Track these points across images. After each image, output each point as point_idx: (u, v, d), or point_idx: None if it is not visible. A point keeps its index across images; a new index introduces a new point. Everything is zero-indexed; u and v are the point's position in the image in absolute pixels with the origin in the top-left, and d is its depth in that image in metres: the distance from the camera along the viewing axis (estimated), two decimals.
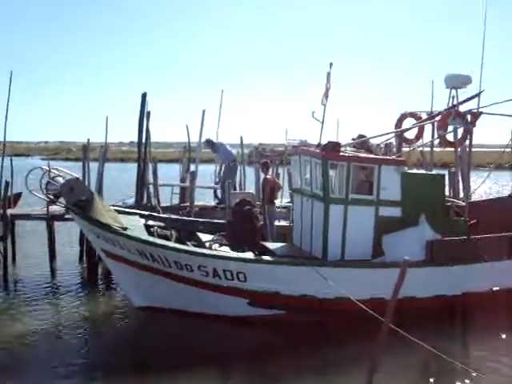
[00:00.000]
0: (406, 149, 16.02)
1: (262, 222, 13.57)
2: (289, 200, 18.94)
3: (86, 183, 16.06)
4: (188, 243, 12.83)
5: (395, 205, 12.33)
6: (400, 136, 15.24)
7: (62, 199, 11.71)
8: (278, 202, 19.67)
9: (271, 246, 13.31)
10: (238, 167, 19.76)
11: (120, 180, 29.69)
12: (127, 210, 14.29)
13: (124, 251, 11.79)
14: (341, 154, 12.25)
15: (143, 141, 17.15)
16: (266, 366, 10.16)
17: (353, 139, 13.67)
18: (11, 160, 18.16)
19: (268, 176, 15.77)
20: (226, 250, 12.24)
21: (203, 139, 18.74)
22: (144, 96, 16.77)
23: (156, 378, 9.67)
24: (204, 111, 16.90)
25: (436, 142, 14.67)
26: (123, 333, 12.20)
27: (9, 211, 16.59)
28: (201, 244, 12.81)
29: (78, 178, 11.85)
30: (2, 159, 16.41)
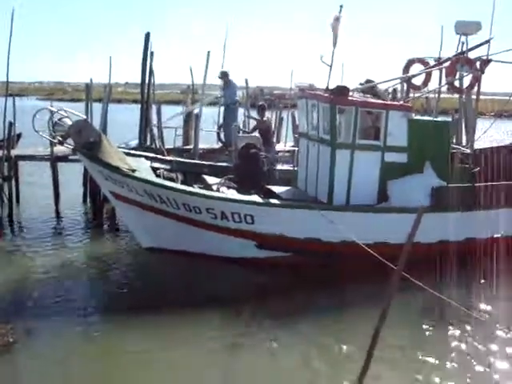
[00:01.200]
0: (412, 95, 15.96)
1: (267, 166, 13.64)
2: (292, 144, 19.01)
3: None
4: (194, 186, 12.92)
5: (401, 150, 12.37)
6: (407, 82, 15.14)
7: (69, 140, 11.67)
8: (281, 146, 19.77)
9: (276, 189, 13.42)
10: (239, 109, 19.61)
11: (119, 121, 29.39)
12: (132, 152, 14.27)
13: (132, 193, 11.87)
14: (349, 98, 12.21)
15: (146, 82, 16.98)
16: (274, 306, 10.39)
17: (360, 84, 13.56)
18: (14, 100, 17.89)
19: (264, 119, 15.95)
20: (233, 193, 12.34)
21: (207, 81, 18.46)
22: (147, 36, 16.51)
23: (162, 318, 9.77)
24: (209, 53, 16.58)
25: (443, 88, 14.58)
26: (130, 273, 12.33)
27: (13, 152, 16.52)
28: (207, 187, 12.90)
29: (86, 120, 11.80)
30: (6, 100, 16.23)
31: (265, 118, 16.40)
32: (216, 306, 10.24)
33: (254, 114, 18.63)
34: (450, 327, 9.67)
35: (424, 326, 9.77)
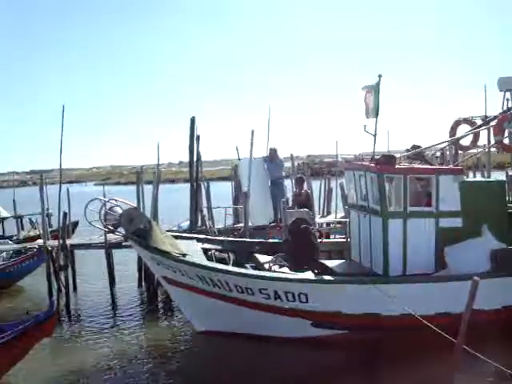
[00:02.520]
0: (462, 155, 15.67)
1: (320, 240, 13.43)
2: (343, 215, 18.81)
3: (142, 208, 16.30)
4: (246, 265, 12.81)
5: (455, 215, 12.00)
6: (455, 143, 14.90)
7: (120, 229, 11.88)
8: (332, 217, 19.59)
9: (330, 263, 13.16)
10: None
11: (172, 202, 30.03)
12: (183, 234, 14.40)
13: (184, 277, 11.86)
14: (396, 166, 12.04)
15: (194, 164, 17.32)
16: None
17: (407, 150, 13.43)
18: (68, 189, 18.58)
19: (303, 191, 16.00)
20: (285, 271, 12.16)
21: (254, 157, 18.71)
22: (193, 120, 16.97)
23: None
24: (253, 131, 16.91)
25: (493, 146, 14.25)
26: (187, 359, 12.20)
27: (68, 241, 16.93)
28: (259, 265, 12.76)
29: (135, 208, 12.03)
30: (60, 188, 16.81)
31: (303, 191, 16.46)
32: None
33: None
34: None
35: None
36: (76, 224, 21.69)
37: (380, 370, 10.47)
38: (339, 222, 17.74)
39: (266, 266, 12.64)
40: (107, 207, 12.10)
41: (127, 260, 19.66)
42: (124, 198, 12.97)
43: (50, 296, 15.22)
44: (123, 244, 16.05)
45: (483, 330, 10.40)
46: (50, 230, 19.37)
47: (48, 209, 20.64)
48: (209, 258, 12.64)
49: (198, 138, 17.00)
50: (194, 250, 12.54)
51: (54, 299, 12.60)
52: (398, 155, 12.87)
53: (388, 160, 11.99)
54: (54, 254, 16.74)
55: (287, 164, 21.51)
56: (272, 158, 18.91)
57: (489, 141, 14.36)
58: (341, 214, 19.62)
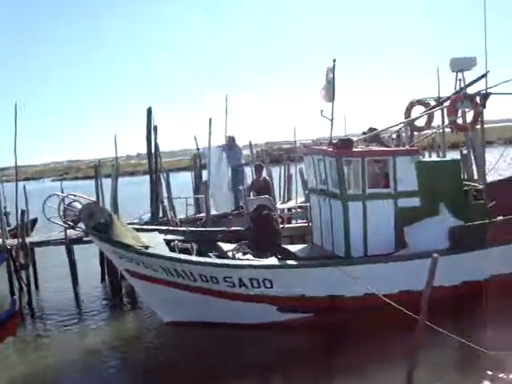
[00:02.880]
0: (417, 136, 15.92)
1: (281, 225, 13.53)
2: (303, 200, 18.94)
3: (101, 202, 16.12)
4: (210, 254, 12.81)
5: (413, 195, 12.21)
6: (410, 125, 15.13)
7: (80, 224, 11.74)
8: (292, 202, 19.72)
9: (292, 247, 13.27)
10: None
11: (132, 194, 29.65)
12: (145, 227, 14.32)
13: (148, 269, 11.80)
14: (354, 149, 12.18)
15: (152, 155, 17.18)
16: (299, 370, 10.11)
17: (363, 133, 13.55)
18: (24, 186, 18.25)
19: (261, 178, 16.60)
20: (249, 258, 12.21)
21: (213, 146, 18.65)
22: (149, 111, 16.78)
23: None
24: (210, 120, 16.85)
25: (447, 127, 14.52)
26: (154, 351, 12.10)
27: (27, 239, 16.62)
28: (223, 254, 12.79)
29: (95, 202, 11.89)
30: (16, 186, 16.48)
31: (261, 178, 16.60)
32: (245, 376, 10.00)
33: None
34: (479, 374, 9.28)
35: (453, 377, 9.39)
36: (35, 221, 21.24)
37: (346, 351, 10.61)
38: (300, 207, 17.87)
39: (230, 254, 12.68)
40: (66, 202, 11.94)
41: (89, 255, 19.38)
42: (83, 192, 12.82)
43: (12, 295, 14.92)
44: (84, 239, 15.84)
45: (444, 305, 10.76)
46: (8, 228, 18.95)
47: (5, 207, 20.20)
48: (172, 249, 12.59)
49: (156, 128, 16.85)
50: (156, 242, 12.48)
51: (15, 298, 12.42)
52: (355, 138, 13.00)
53: (345, 143, 12.11)
54: (13, 253, 16.43)
55: (246, 152, 21.46)
56: (230, 145, 18.90)
57: (443, 121, 14.62)
58: (301, 199, 19.75)
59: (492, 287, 11.91)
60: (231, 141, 18.93)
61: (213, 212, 17.30)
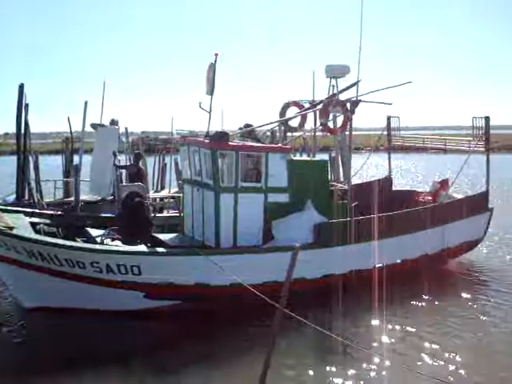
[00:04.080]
0: (290, 136, 16.53)
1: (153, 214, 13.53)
2: (176, 190, 19.03)
3: None
4: (77, 239, 12.53)
5: (283, 191, 12.76)
6: (284, 124, 15.70)
7: None
8: (165, 192, 19.72)
9: (162, 236, 13.31)
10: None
11: None
12: (10, 208, 13.70)
13: (11, 251, 11.33)
14: (229, 143, 12.47)
15: (22, 134, 16.44)
16: (164, 358, 10.17)
17: (240, 128, 13.93)
18: None
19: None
20: (118, 245, 12.10)
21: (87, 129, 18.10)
22: (21, 87, 16.07)
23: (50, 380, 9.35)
24: (86, 102, 16.39)
25: (318, 129, 15.24)
26: (11, 337, 11.59)
27: None
28: (92, 239, 12.56)
29: None
30: None
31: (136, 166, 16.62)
32: (109, 364, 9.86)
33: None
34: (334, 360, 9.90)
35: (309, 361, 9.95)
36: None
37: (211, 337, 10.88)
38: (173, 197, 17.93)
39: (98, 239, 12.49)
40: None
41: None
42: None
43: None
44: None
45: (306, 296, 11.36)
46: None
47: None
48: (37, 232, 12.18)
49: (27, 106, 16.13)
50: (21, 224, 12.01)
51: None
52: (231, 133, 13.30)
53: (221, 137, 12.37)
54: None
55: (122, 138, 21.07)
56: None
57: (315, 123, 15.32)
58: (175, 189, 19.83)
59: (350, 281, 12.75)
60: (97, 126, 18.42)
61: (85, 196, 16.85)
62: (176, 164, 19.37)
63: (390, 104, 14.53)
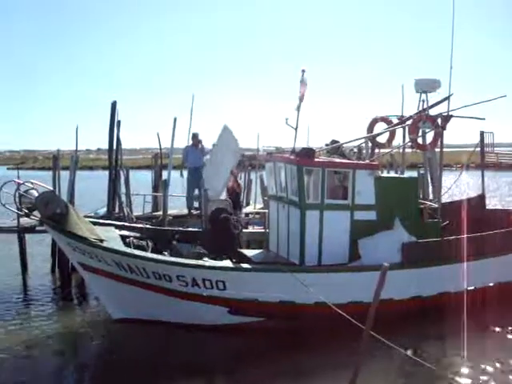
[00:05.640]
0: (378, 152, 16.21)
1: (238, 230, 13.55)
2: (262, 206, 19.05)
3: (58, 193, 15.85)
4: (165, 253, 12.76)
5: (370, 209, 12.46)
6: (372, 140, 15.41)
7: (36, 212, 11.53)
8: (251, 208, 19.78)
9: (248, 252, 13.33)
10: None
11: (89, 189, 29.34)
12: (101, 220, 14.16)
13: (101, 263, 11.68)
14: (315, 159, 12.35)
15: (114, 150, 16.98)
16: (246, 374, 10.10)
17: (326, 145, 13.79)
18: None
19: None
20: (204, 259, 12.21)
21: (175, 145, 18.41)
22: (114, 105, 16.59)
23: None
24: (175, 119, 16.77)
25: (407, 145, 14.86)
26: (100, 348, 11.91)
27: None
28: (178, 253, 12.75)
29: (52, 191, 11.69)
30: None
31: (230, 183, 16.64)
32: (191, 376, 9.94)
33: None
34: None
35: None
36: None
37: (293, 357, 10.70)
38: (258, 213, 17.95)
39: (185, 253, 12.65)
40: (22, 190, 11.69)
41: (41, 245, 19.09)
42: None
43: None
44: (37, 228, 15.60)
45: (394, 318, 10.97)
46: None
47: None
48: (127, 245, 12.49)
49: (119, 123, 16.66)
50: (111, 237, 12.36)
51: None
52: (317, 149, 13.19)
53: (307, 153, 12.27)
54: None
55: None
56: (195, 144, 18.65)
57: (404, 139, 14.95)
58: (260, 205, 19.86)
59: (439, 304, 12.23)
60: (195, 139, 18.64)
61: (172, 211, 17.17)
62: (261, 180, 19.39)
63: (483, 119, 13.95)
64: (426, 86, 14.18)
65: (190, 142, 18.75)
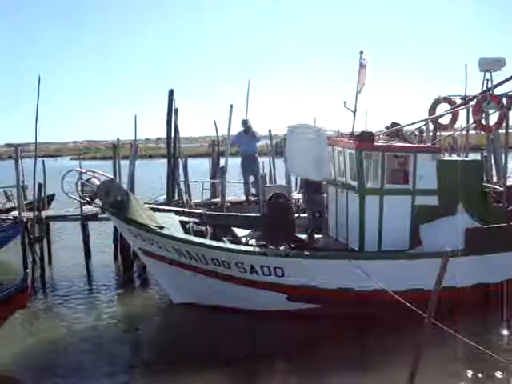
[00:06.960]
0: (439, 134, 15.74)
1: (296, 215, 13.43)
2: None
3: (118, 181, 16.15)
4: (224, 239, 12.82)
5: (432, 193, 12.08)
6: (434, 122, 14.94)
7: (97, 200, 11.80)
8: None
9: (305, 238, 13.19)
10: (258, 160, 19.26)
11: (149, 177, 29.86)
12: (161, 207, 14.34)
13: (162, 250, 11.84)
14: (375, 143, 12.07)
15: (172, 138, 17.13)
16: (305, 360, 10.08)
17: (386, 127, 13.43)
18: (43, 162, 18.40)
19: None
20: (262, 246, 12.19)
21: (232, 133, 18.40)
22: (171, 93, 16.68)
23: (195, 374, 9.62)
24: (232, 106, 16.76)
25: (471, 126, 14.35)
26: (163, 330, 12.26)
27: (43, 213, 16.74)
28: (237, 239, 12.79)
29: (113, 179, 11.94)
30: (35, 161, 16.51)
31: None
32: (251, 362, 10.00)
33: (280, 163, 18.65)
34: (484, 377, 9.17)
35: (453, 373, 9.36)
36: (52, 197, 21.35)
37: (351, 344, 10.64)
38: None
39: (244, 240, 12.67)
40: (84, 179, 11.97)
41: (103, 232, 19.54)
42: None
43: (25, 268, 15.02)
44: (99, 216, 15.96)
45: (456, 306, 10.66)
46: (25, 202, 19.08)
47: (23, 181, 20.37)
48: (187, 231, 12.62)
49: (176, 111, 16.75)
50: (171, 223, 12.51)
51: (27, 272, 12.41)
52: (377, 133, 12.89)
53: (367, 137, 11.98)
54: (29, 226, 16.61)
55: (266, 141, 21.28)
56: (246, 131, 18.48)
57: (468, 120, 14.44)
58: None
59: (504, 291, 11.80)
60: (246, 125, 18.43)
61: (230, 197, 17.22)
62: None
63: None
64: (490, 65, 13.59)
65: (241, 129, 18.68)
